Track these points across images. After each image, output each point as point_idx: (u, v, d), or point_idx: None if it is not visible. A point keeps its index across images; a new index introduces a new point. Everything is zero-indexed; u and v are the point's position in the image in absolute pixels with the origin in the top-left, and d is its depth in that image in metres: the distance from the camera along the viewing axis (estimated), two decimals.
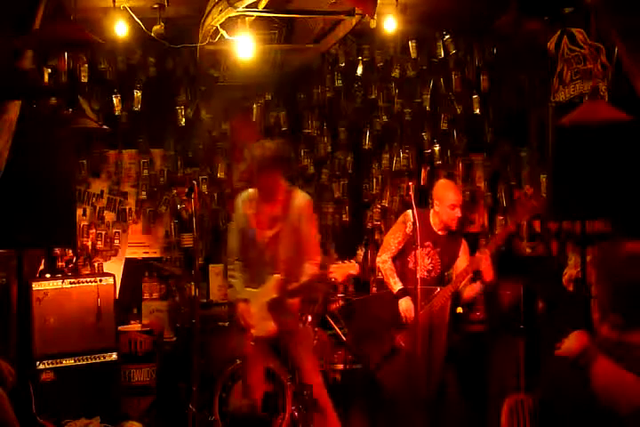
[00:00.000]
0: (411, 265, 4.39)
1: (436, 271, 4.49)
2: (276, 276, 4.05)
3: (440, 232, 4.48)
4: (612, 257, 1.95)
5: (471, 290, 4.40)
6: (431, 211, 4.53)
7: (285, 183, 4.14)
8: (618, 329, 1.92)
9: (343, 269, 3.97)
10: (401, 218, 4.62)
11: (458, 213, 4.42)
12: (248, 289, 4.13)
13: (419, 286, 4.05)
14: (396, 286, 4.42)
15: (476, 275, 4.35)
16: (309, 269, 4.01)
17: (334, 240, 6.35)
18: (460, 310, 4.74)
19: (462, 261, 4.53)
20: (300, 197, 4.13)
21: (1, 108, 3.07)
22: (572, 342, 1.91)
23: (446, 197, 4.43)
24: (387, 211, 6.08)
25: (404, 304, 4.34)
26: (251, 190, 4.22)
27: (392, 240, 4.55)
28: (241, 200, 4.21)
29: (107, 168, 5.89)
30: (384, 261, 4.53)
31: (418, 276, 4.07)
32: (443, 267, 4.51)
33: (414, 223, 4.13)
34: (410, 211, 4.35)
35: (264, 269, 4.09)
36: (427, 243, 4.41)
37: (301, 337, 4.22)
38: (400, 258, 4.53)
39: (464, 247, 4.59)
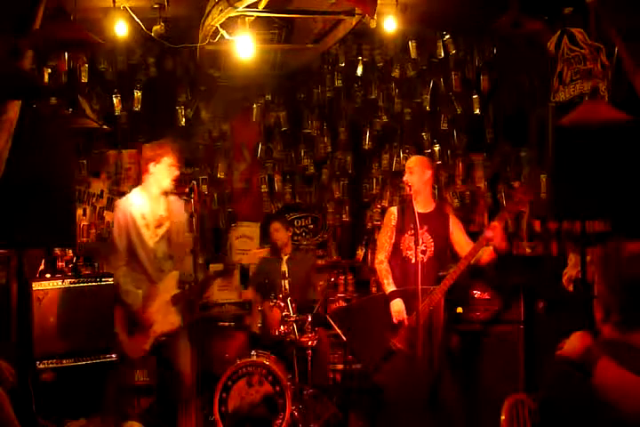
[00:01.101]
0: (404, 253, 4.43)
1: (431, 251, 4.43)
2: (174, 273, 4.31)
3: (421, 210, 4.41)
4: (614, 257, 1.95)
5: (488, 255, 4.33)
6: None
7: None
8: (621, 329, 1.92)
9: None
10: (386, 215, 4.67)
11: (406, 177, 4.49)
12: (142, 290, 4.27)
13: (419, 286, 4.05)
14: (389, 287, 4.41)
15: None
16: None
17: (335, 240, 6.37)
18: (459, 310, 4.74)
19: (458, 235, 4.51)
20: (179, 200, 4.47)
21: (1, 108, 3.07)
22: (575, 342, 1.90)
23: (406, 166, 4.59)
24: (386, 211, 6.08)
25: (396, 306, 4.34)
26: (134, 191, 4.39)
27: (384, 239, 4.56)
28: (127, 204, 4.32)
29: (107, 168, 5.90)
30: (380, 261, 4.53)
31: (419, 279, 4.06)
32: (436, 245, 4.44)
33: (415, 226, 4.16)
34: (393, 208, 4.64)
35: (158, 267, 4.30)
36: (411, 225, 4.40)
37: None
38: (395, 251, 4.52)
39: (453, 220, 4.56)
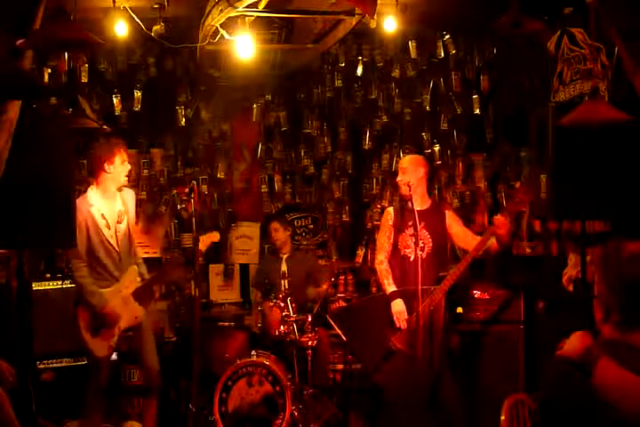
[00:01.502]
0: (403, 252, 4.46)
1: (430, 247, 4.43)
2: (133, 267, 4.38)
3: (418, 207, 4.43)
4: (614, 257, 1.95)
5: (494, 245, 4.34)
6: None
7: None
8: (621, 329, 1.92)
9: (206, 240, 4.45)
10: (384, 216, 4.71)
11: (400, 177, 4.56)
12: (105, 289, 4.27)
13: (419, 286, 4.05)
14: (390, 287, 4.41)
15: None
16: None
17: (335, 240, 6.36)
18: (459, 310, 4.74)
19: (457, 228, 4.54)
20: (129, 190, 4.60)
21: (1, 108, 3.07)
22: (575, 342, 1.90)
23: (399, 167, 4.66)
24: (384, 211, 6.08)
25: (396, 307, 4.34)
26: (90, 191, 4.39)
27: (383, 239, 4.57)
28: (86, 205, 4.30)
29: None
30: (380, 262, 4.53)
31: (419, 277, 4.06)
32: (434, 241, 4.45)
33: (414, 223, 4.16)
34: (390, 208, 4.70)
35: (120, 265, 4.33)
36: (409, 223, 4.42)
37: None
38: (394, 251, 4.53)
39: (450, 215, 4.59)
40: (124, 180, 4.43)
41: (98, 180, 4.40)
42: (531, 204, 4.55)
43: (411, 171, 4.51)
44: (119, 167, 4.37)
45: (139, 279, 4.40)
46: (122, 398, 5.05)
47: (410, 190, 4.36)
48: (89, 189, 4.43)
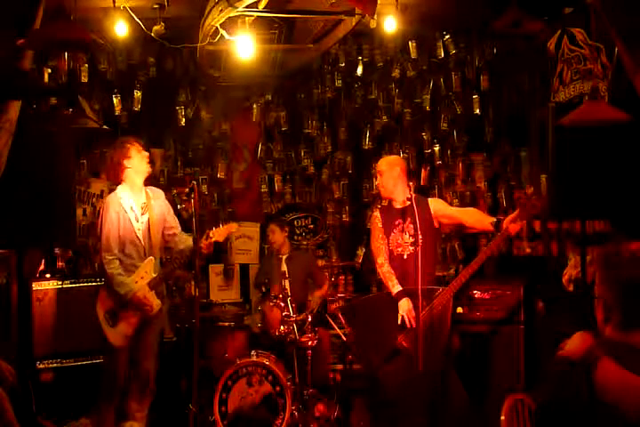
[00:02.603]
0: (395, 252, 4.45)
1: (417, 242, 4.34)
2: (150, 258, 4.44)
3: (400, 205, 4.49)
4: (615, 257, 1.94)
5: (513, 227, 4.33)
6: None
7: None
8: (622, 330, 1.91)
9: (222, 231, 4.46)
10: (372, 220, 4.65)
11: (378, 180, 4.56)
12: (132, 278, 4.37)
13: (419, 287, 4.04)
14: (395, 288, 4.38)
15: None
16: (188, 241, 4.53)
17: (335, 240, 6.37)
18: (460, 309, 4.73)
19: (445, 209, 4.54)
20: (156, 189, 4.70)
21: (1, 108, 3.07)
22: (576, 342, 1.90)
23: (376, 171, 4.64)
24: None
25: (404, 306, 4.32)
26: (119, 187, 4.48)
27: (378, 242, 4.52)
28: (117, 199, 4.42)
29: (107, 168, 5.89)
30: (381, 264, 4.48)
31: (419, 278, 4.05)
32: (424, 233, 4.27)
33: (415, 223, 4.16)
34: (376, 212, 4.65)
35: (143, 256, 4.44)
36: (396, 222, 4.46)
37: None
38: (389, 251, 4.52)
39: (433, 200, 4.61)
40: (146, 168, 4.52)
41: (122, 176, 4.48)
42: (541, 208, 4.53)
43: (387, 172, 4.52)
44: (136, 158, 4.46)
45: (154, 272, 4.44)
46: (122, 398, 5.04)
47: (388, 192, 4.47)
48: (118, 186, 4.53)
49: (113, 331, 4.35)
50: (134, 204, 4.47)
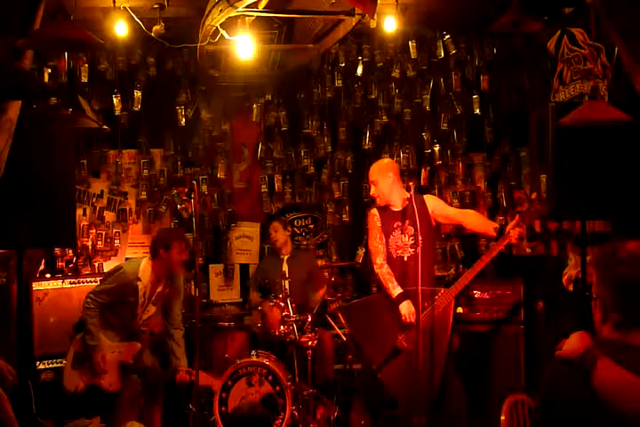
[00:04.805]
0: (395, 254, 4.43)
1: (418, 242, 4.32)
2: (136, 344, 4.62)
3: (397, 209, 4.48)
4: (613, 257, 1.94)
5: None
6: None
7: None
8: (620, 330, 1.92)
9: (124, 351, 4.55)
10: (370, 218, 4.58)
11: (372, 191, 4.54)
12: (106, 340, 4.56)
13: (419, 287, 4.04)
14: (395, 290, 4.34)
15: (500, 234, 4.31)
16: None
17: (335, 240, 6.36)
18: (460, 309, 4.73)
19: (443, 209, 4.54)
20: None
21: (1, 108, 3.07)
22: (574, 342, 1.90)
23: (369, 180, 4.61)
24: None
25: (405, 308, 4.30)
26: (141, 265, 4.59)
27: (376, 242, 4.49)
28: (133, 277, 4.54)
29: (107, 168, 5.90)
30: (380, 265, 4.43)
31: (419, 278, 4.05)
32: (422, 232, 4.31)
33: (415, 224, 4.17)
34: (373, 210, 4.57)
35: (129, 332, 4.64)
36: (395, 224, 4.44)
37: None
38: (387, 254, 4.50)
39: (429, 199, 4.57)
40: (176, 269, 4.62)
41: (154, 260, 4.57)
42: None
43: (381, 181, 4.49)
44: (174, 255, 4.55)
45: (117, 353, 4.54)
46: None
47: (385, 200, 4.47)
48: (143, 260, 4.64)
49: (72, 374, 4.46)
50: (148, 289, 4.56)
